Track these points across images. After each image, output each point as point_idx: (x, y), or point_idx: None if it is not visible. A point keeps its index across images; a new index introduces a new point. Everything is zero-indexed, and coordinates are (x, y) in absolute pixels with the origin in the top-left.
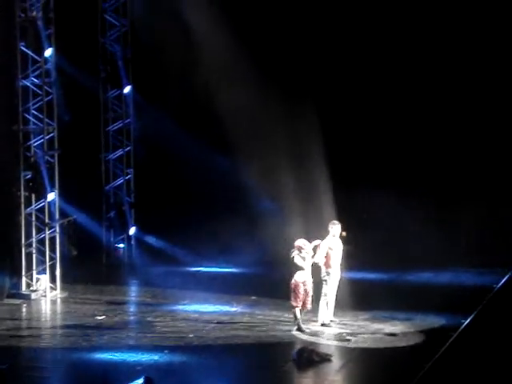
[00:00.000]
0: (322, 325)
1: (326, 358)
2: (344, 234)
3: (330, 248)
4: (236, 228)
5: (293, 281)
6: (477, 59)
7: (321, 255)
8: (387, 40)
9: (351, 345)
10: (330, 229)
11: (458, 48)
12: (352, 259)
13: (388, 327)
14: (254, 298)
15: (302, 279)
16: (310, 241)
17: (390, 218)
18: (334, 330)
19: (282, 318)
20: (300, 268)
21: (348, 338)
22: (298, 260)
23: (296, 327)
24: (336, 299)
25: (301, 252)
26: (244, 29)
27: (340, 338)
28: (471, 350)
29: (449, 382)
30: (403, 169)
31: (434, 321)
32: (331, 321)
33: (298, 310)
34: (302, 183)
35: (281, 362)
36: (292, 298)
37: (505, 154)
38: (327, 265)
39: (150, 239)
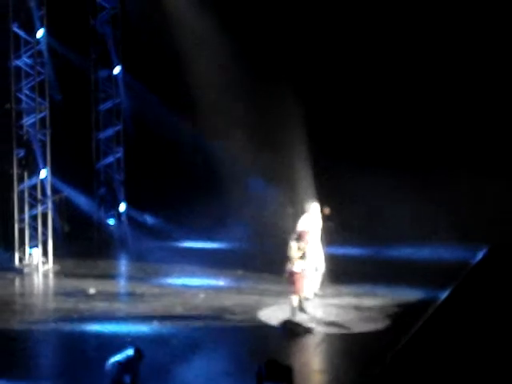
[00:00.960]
0: (305, 299)
1: (308, 331)
2: (326, 210)
3: (307, 226)
4: (225, 204)
5: (291, 270)
6: (458, 31)
7: (297, 232)
8: (367, 16)
9: (331, 319)
10: (307, 207)
11: (440, 23)
12: (333, 235)
13: (368, 301)
14: (240, 272)
15: (300, 268)
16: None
17: (371, 195)
18: (316, 304)
19: (266, 292)
20: (294, 258)
21: (326, 313)
22: (293, 251)
23: (291, 315)
24: (320, 276)
25: (301, 240)
26: (229, 13)
27: (320, 312)
28: (448, 324)
29: (425, 356)
30: (382, 146)
31: (413, 295)
32: (314, 295)
33: (295, 299)
34: (283, 161)
35: (267, 334)
36: (291, 287)
37: (484, 128)
38: (305, 242)
39: (145, 218)
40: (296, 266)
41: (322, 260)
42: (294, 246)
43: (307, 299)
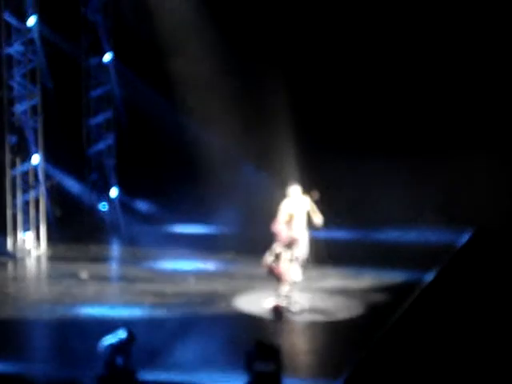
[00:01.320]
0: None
1: (294, 315)
2: (314, 194)
3: (290, 211)
4: (216, 189)
5: (274, 255)
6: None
7: (281, 217)
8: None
9: (317, 303)
10: (288, 191)
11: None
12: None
13: (354, 284)
14: (231, 255)
15: (286, 253)
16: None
17: (358, 179)
18: (302, 288)
19: (256, 276)
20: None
21: (312, 297)
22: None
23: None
24: (307, 260)
25: (289, 224)
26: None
27: (306, 296)
28: (433, 306)
29: (411, 339)
30: (370, 130)
31: (399, 278)
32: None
33: (285, 285)
34: (272, 146)
35: (256, 317)
36: (279, 275)
37: (470, 111)
38: (290, 228)
39: (139, 204)
40: (279, 251)
41: (305, 244)
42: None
43: (294, 283)
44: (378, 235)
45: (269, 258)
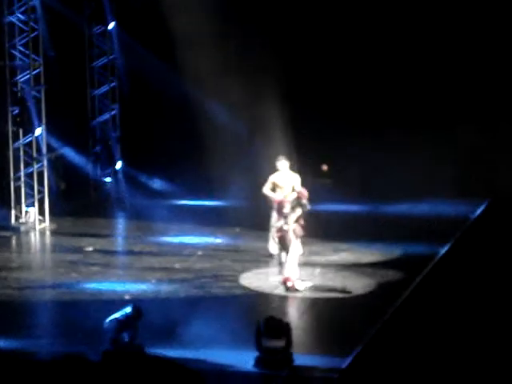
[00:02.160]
0: (270, 255)
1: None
2: (324, 168)
3: (276, 183)
4: (223, 161)
5: (283, 229)
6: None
7: (266, 188)
8: None
9: (329, 276)
10: (277, 164)
11: None
12: (330, 193)
13: (366, 258)
14: (238, 229)
15: (288, 225)
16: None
17: (367, 152)
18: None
19: (263, 250)
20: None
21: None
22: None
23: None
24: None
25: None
26: None
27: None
28: (448, 279)
29: (426, 311)
30: (377, 102)
31: (412, 251)
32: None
33: (292, 255)
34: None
35: (265, 293)
36: (285, 246)
37: (482, 83)
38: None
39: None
40: (285, 224)
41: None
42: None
43: (300, 255)
44: (391, 208)
45: (280, 226)
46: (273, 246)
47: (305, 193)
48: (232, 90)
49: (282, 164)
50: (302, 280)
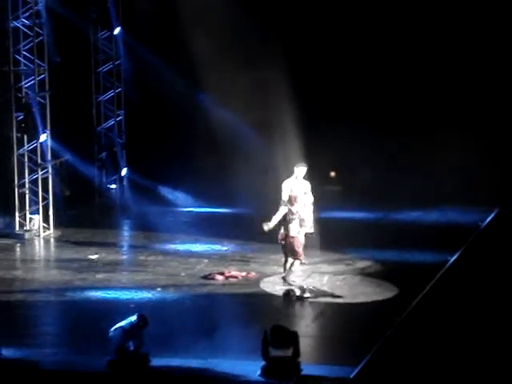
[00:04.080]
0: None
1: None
2: (332, 174)
3: (291, 190)
4: (229, 168)
5: (290, 235)
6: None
7: (284, 196)
8: None
9: (338, 285)
10: (294, 170)
11: None
12: (340, 199)
13: (375, 266)
14: (244, 238)
15: (296, 232)
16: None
17: (377, 159)
18: (321, 270)
19: (271, 257)
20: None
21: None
22: (288, 215)
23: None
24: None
25: (293, 205)
26: None
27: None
28: (457, 286)
29: (435, 318)
30: (388, 108)
31: (422, 259)
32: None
33: (297, 263)
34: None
35: (271, 301)
36: (292, 252)
37: (494, 89)
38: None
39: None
40: (292, 230)
41: (311, 224)
42: (286, 210)
43: (302, 263)
44: (400, 216)
45: (295, 231)
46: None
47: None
48: (240, 96)
49: (301, 170)
50: (304, 289)
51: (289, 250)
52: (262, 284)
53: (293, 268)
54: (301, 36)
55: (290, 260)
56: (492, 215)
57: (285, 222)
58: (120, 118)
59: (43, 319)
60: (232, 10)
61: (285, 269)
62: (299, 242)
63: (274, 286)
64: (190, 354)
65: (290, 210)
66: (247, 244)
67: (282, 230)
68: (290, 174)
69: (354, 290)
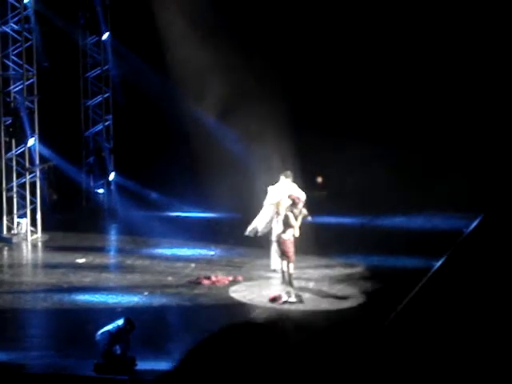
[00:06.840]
0: (274, 270)
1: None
2: (319, 180)
3: (276, 195)
4: (215, 173)
5: (282, 238)
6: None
7: (269, 201)
8: None
9: (323, 290)
10: (281, 177)
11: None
12: (325, 205)
13: (360, 271)
14: (231, 242)
15: (290, 236)
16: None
17: (363, 165)
18: (308, 275)
19: (258, 262)
20: (291, 226)
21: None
22: (292, 219)
23: (287, 282)
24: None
25: (295, 207)
26: None
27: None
28: (442, 292)
29: (419, 324)
30: (374, 115)
31: (407, 264)
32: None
33: (291, 266)
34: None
35: (258, 305)
36: (284, 255)
37: (477, 98)
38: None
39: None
40: (287, 233)
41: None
42: (290, 215)
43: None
44: (384, 221)
45: (289, 234)
46: (274, 261)
47: (299, 198)
48: (227, 103)
49: (287, 177)
50: (291, 294)
51: (282, 252)
52: (249, 288)
53: (290, 271)
54: (287, 38)
55: (285, 263)
56: (476, 221)
57: (286, 225)
58: (108, 122)
59: (30, 322)
60: (220, 14)
61: (283, 273)
62: (291, 244)
63: (261, 290)
64: (176, 358)
65: (293, 213)
66: (234, 248)
67: (279, 232)
68: (276, 179)
69: (340, 294)
